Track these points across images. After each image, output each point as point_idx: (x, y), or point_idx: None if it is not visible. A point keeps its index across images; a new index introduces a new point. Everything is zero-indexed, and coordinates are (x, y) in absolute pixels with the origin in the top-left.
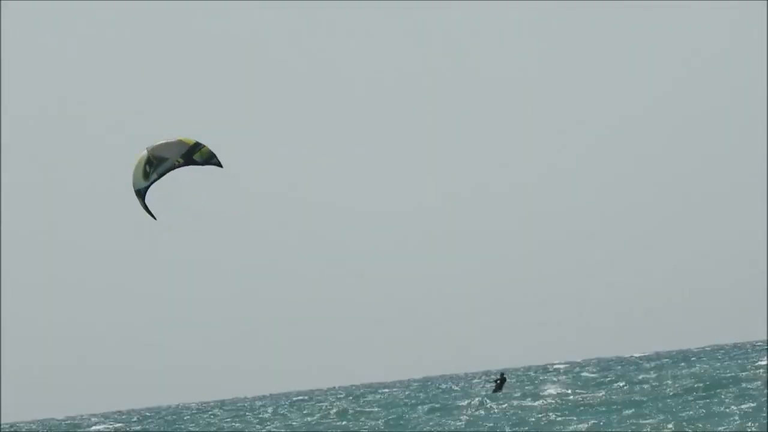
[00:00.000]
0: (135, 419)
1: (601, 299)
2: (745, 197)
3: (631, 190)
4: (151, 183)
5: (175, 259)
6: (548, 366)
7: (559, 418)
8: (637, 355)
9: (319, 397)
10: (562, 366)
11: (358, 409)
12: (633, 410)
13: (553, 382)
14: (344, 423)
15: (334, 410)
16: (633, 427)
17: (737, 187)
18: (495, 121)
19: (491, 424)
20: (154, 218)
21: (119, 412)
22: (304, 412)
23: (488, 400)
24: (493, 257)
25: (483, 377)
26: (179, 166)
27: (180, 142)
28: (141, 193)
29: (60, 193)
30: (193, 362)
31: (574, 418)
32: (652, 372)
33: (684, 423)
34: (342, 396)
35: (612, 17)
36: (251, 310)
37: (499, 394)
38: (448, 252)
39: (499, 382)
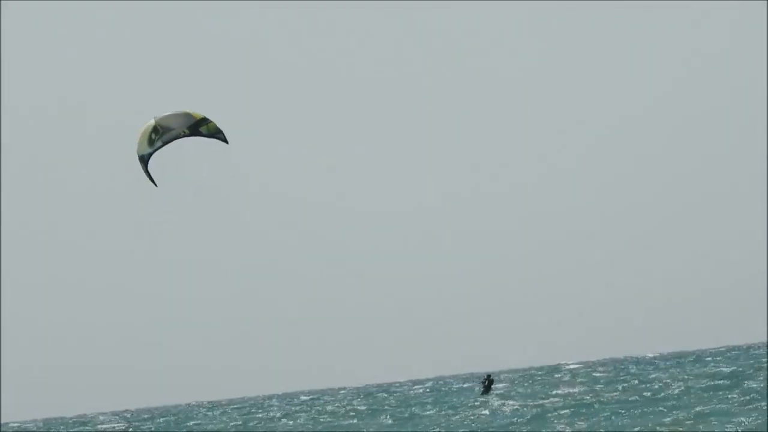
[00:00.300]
0: (146, 416)
1: (602, 299)
2: (745, 197)
3: (631, 190)
4: (155, 150)
5: (175, 259)
6: (560, 366)
7: (569, 417)
8: (651, 354)
9: (328, 397)
10: (574, 366)
11: (372, 407)
12: (643, 409)
13: (564, 382)
14: (355, 422)
15: (344, 410)
16: (643, 426)
17: (737, 187)
18: (495, 121)
19: (504, 422)
20: (155, 185)
21: (127, 410)
22: (318, 408)
23: (501, 399)
24: (493, 257)
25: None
26: (184, 137)
27: (188, 115)
28: (144, 159)
29: (60, 193)
30: (201, 362)
31: (584, 417)
32: (663, 372)
33: (691, 422)
34: (353, 396)
35: (612, 17)
36: (252, 311)
37: (492, 394)
38: (448, 252)
39: (487, 383)
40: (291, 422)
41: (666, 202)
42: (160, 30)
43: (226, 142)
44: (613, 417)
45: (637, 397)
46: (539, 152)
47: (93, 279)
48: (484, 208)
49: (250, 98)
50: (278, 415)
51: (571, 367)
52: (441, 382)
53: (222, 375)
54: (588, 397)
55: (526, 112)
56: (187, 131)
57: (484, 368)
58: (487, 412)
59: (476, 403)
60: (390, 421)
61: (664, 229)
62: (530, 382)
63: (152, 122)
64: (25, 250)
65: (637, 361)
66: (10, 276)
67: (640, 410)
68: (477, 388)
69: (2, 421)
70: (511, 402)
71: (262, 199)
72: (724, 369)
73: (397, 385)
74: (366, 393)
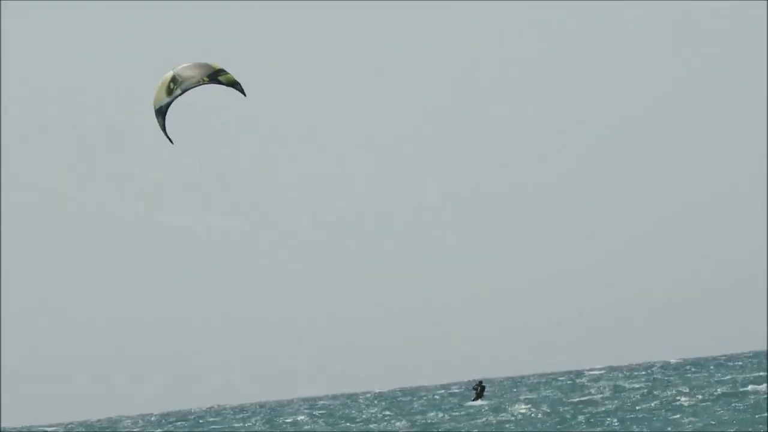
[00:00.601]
0: (173, 419)
1: (603, 300)
2: (745, 197)
3: (631, 190)
4: (173, 99)
5: (177, 261)
6: (583, 371)
7: (584, 422)
8: (673, 361)
9: (343, 401)
10: (597, 371)
11: (395, 412)
12: (659, 414)
13: (587, 386)
14: (382, 425)
15: (365, 415)
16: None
17: (737, 187)
18: (495, 121)
19: (525, 426)
20: (171, 141)
21: (151, 413)
22: (341, 413)
23: (521, 405)
24: (493, 257)
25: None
26: (204, 84)
27: (206, 65)
28: (162, 111)
29: (60, 193)
30: (222, 366)
31: (598, 421)
32: (685, 377)
33: (704, 427)
34: (377, 400)
35: (612, 17)
36: (250, 313)
37: (482, 401)
38: (448, 252)
39: (479, 390)
40: (314, 426)
41: (666, 202)
42: (160, 30)
43: (244, 94)
44: (634, 423)
45: (660, 403)
46: (539, 152)
47: (99, 280)
48: (484, 208)
49: (249, 98)
50: (303, 419)
51: (595, 372)
52: (462, 387)
53: (243, 379)
54: (610, 403)
55: (526, 112)
56: (206, 79)
57: (498, 372)
58: (506, 417)
59: (488, 408)
60: (409, 425)
61: (664, 229)
62: (550, 387)
63: (171, 73)
64: (29, 251)
65: (661, 367)
66: (12, 276)
67: (663, 417)
68: (470, 394)
69: (26, 425)
70: (530, 407)
71: (261, 199)
72: (748, 375)
73: (424, 390)
74: (390, 398)
